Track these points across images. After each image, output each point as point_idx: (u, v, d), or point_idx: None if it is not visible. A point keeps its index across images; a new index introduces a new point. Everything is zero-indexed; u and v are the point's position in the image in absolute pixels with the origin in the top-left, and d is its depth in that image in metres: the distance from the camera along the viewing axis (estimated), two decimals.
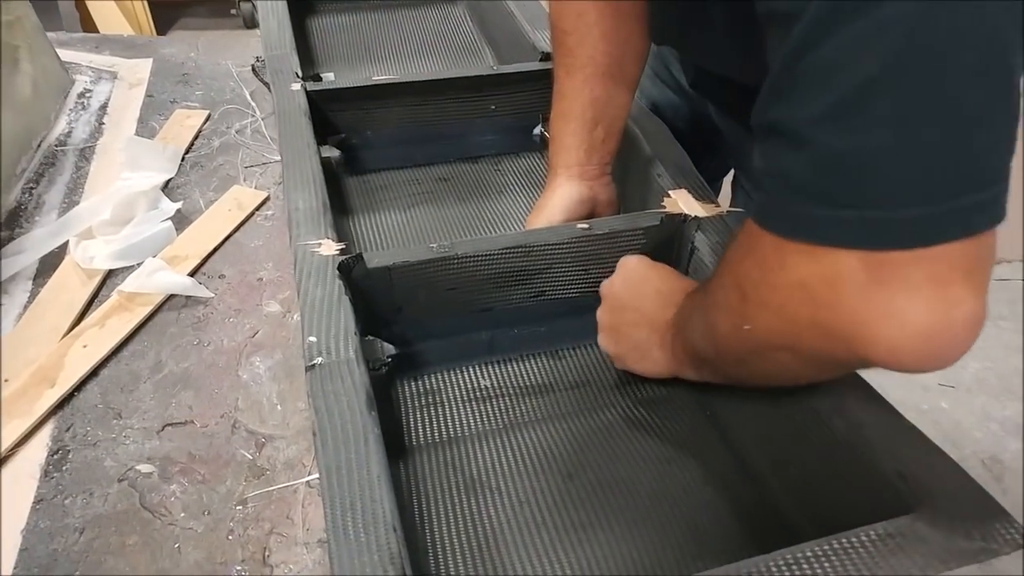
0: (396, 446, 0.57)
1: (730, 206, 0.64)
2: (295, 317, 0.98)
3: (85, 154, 1.30)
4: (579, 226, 0.62)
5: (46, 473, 0.78)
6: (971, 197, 0.33)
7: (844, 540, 0.39)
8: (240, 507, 0.76)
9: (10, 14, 1.26)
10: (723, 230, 0.62)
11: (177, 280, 0.99)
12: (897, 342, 0.35)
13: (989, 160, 0.34)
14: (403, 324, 0.62)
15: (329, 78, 0.93)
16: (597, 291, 0.61)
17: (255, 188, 1.22)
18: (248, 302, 1.00)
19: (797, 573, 0.37)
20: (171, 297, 0.99)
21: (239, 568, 0.71)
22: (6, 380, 0.87)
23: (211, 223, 1.13)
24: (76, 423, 0.83)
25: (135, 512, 0.75)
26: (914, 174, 0.33)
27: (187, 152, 1.29)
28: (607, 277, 0.60)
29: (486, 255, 0.59)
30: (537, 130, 0.91)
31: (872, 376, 0.47)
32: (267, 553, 0.72)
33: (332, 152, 0.80)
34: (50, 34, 1.45)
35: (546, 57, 0.88)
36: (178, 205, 1.14)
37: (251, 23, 2.74)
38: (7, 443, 0.80)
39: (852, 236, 0.35)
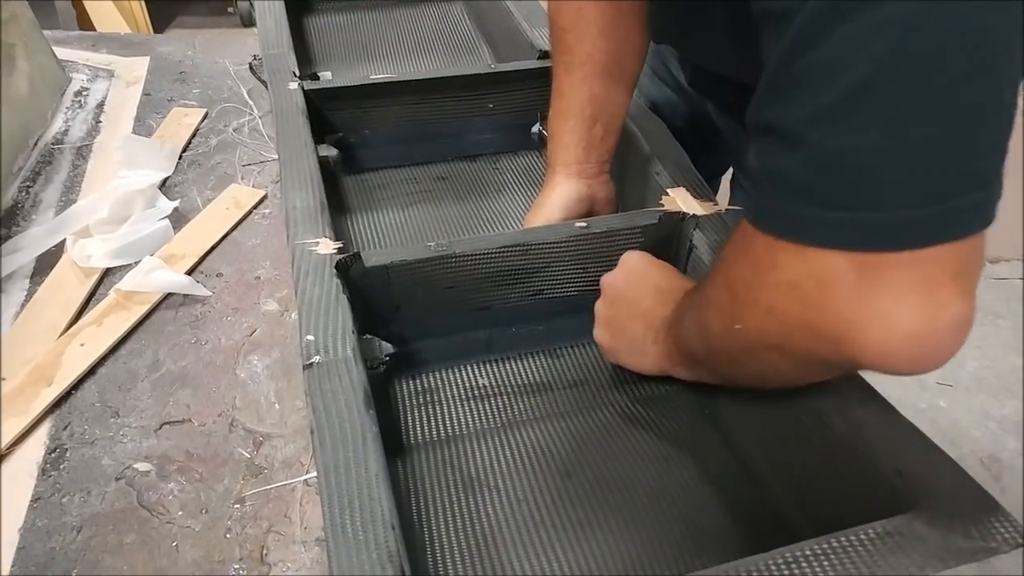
0: (394, 444, 0.57)
1: (729, 204, 0.64)
2: (293, 316, 0.97)
3: (82, 152, 1.29)
4: (577, 224, 0.62)
5: (43, 471, 0.78)
6: (963, 200, 0.33)
7: (843, 539, 0.39)
8: (238, 506, 0.75)
9: (6, 12, 1.26)
10: (721, 228, 0.62)
11: (175, 278, 0.99)
12: (885, 344, 0.36)
13: (982, 162, 0.34)
14: (401, 323, 0.62)
15: (327, 77, 0.93)
16: (595, 290, 0.61)
17: (253, 186, 1.21)
18: (246, 301, 1.00)
19: (795, 572, 0.37)
20: (169, 295, 0.99)
21: (237, 567, 0.70)
22: (3, 379, 0.87)
23: (208, 221, 1.13)
24: (73, 421, 0.83)
25: (133, 510, 0.75)
26: (907, 176, 0.33)
27: (184, 150, 1.28)
28: None
29: (484, 254, 0.59)
30: (535, 128, 0.91)
31: (870, 375, 0.47)
32: (265, 552, 0.72)
33: (330, 151, 0.79)
34: (47, 32, 1.44)
35: (544, 55, 0.88)
36: (175, 203, 1.14)
37: (248, 21, 2.74)
38: (4, 441, 0.80)
39: (844, 237, 0.35)
